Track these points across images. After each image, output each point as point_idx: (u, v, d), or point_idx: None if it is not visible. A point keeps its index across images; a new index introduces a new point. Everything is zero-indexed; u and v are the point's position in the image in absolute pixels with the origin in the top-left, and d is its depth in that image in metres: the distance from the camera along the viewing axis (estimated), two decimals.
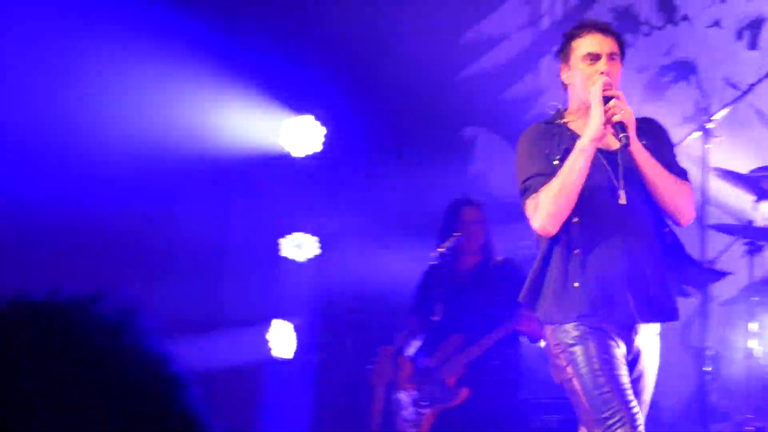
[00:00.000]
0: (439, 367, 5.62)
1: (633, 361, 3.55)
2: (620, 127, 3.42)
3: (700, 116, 7.17)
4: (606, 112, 3.42)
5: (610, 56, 3.57)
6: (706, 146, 5.58)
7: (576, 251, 3.52)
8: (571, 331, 3.53)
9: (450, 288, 5.69)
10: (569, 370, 3.50)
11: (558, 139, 3.58)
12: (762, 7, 7.35)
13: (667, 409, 6.67)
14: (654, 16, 7.75)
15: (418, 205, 7.26)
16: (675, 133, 7.19)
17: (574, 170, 3.47)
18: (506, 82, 8.19)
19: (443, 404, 5.61)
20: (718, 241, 6.36)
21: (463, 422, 5.55)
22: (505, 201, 7.73)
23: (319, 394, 7.11)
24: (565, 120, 3.67)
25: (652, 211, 3.57)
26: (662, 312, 3.57)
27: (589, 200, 3.52)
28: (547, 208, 3.51)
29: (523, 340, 5.66)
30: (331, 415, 7.06)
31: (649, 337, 3.59)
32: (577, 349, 3.50)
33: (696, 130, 5.68)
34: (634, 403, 3.45)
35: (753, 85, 5.20)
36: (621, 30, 7.64)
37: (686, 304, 6.89)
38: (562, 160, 3.52)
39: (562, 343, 3.54)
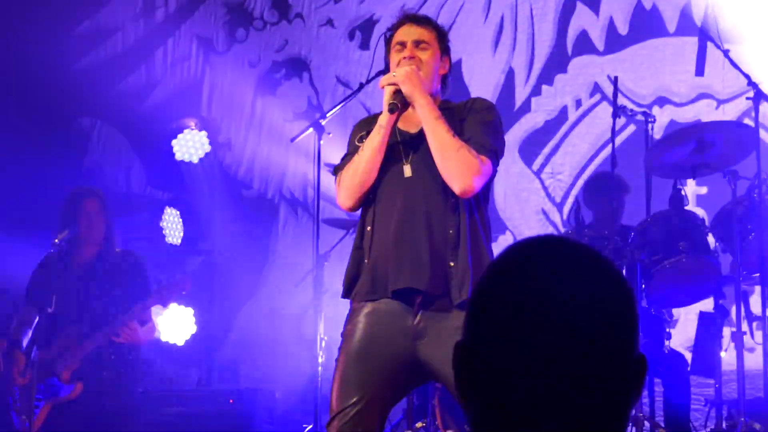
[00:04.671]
0: (54, 360, 5.63)
1: (418, 335, 3.65)
2: (399, 98, 3.72)
3: (313, 113, 7.65)
4: (387, 98, 3.74)
5: (416, 43, 3.87)
6: (320, 142, 5.95)
7: (368, 228, 3.79)
8: (353, 307, 3.77)
9: (66, 279, 5.73)
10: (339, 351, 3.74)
11: (374, 126, 3.84)
12: (373, 8, 7.91)
13: (282, 399, 7.05)
14: (268, 12, 8.12)
15: (35, 195, 7.19)
16: (287, 129, 7.71)
17: (369, 146, 3.76)
18: (122, 72, 8.24)
19: (58, 398, 5.62)
20: (331, 235, 6.81)
21: (79, 416, 5.60)
22: (122, 192, 7.86)
23: None
24: None
25: (442, 184, 3.72)
26: (433, 285, 3.65)
27: (382, 179, 3.77)
28: (344, 184, 3.80)
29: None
30: None
31: (442, 314, 3.66)
32: (348, 330, 3.72)
33: (309, 126, 6.04)
34: (356, 401, 3.59)
35: (363, 84, 5.62)
36: (235, 25, 8.05)
37: (301, 296, 7.41)
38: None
39: (347, 318, 3.76)
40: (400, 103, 3.74)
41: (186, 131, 7.66)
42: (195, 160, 7.68)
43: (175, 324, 7.24)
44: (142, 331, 5.71)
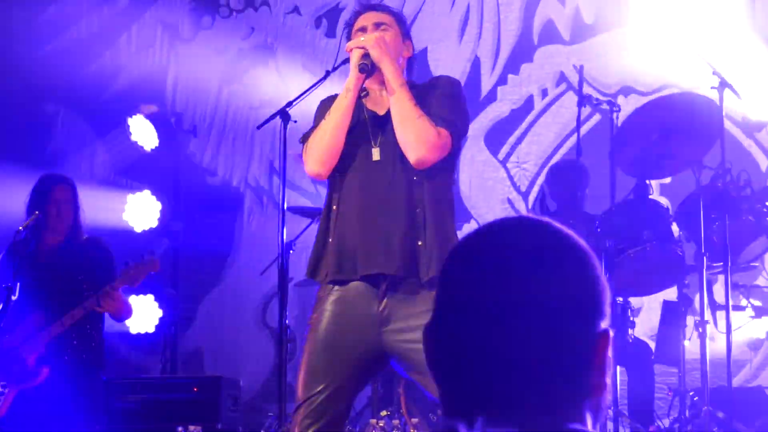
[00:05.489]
0: (19, 345, 5.59)
1: (383, 322, 3.65)
2: (368, 61, 3.74)
3: (279, 100, 7.60)
4: (355, 60, 3.76)
5: (377, 25, 3.91)
6: (286, 130, 5.90)
7: (335, 207, 3.78)
8: (319, 294, 3.76)
9: (30, 266, 5.68)
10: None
11: None
12: None
13: (246, 387, 7.03)
14: (234, 0, 8.07)
15: None
16: (253, 116, 7.67)
17: (336, 109, 3.76)
18: (86, 59, 8.18)
19: (23, 384, 5.58)
20: (296, 223, 6.78)
21: (44, 402, 5.57)
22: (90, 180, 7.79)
23: None
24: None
25: (409, 165, 3.74)
26: (403, 266, 3.66)
27: (349, 157, 3.77)
28: (312, 149, 3.79)
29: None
30: None
31: (408, 297, 3.66)
32: (314, 318, 3.71)
33: (275, 114, 6.00)
34: (322, 389, 3.60)
35: (330, 71, 5.58)
36: (200, 12, 7.99)
37: (266, 285, 7.38)
38: None
39: (314, 307, 3.75)
40: (370, 65, 3.75)
41: (136, 117, 7.59)
42: (147, 148, 7.62)
43: (139, 313, 7.20)
44: (125, 300, 5.70)
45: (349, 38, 3.97)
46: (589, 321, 1.35)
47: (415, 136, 3.69)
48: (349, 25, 4.01)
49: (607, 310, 1.38)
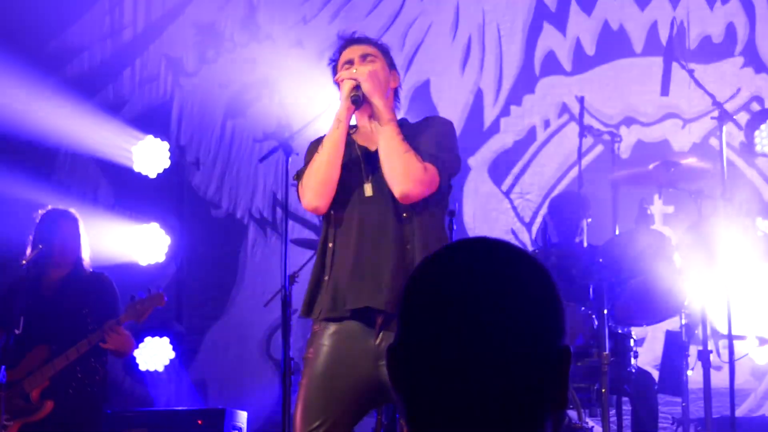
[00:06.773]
0: (23, 379, 5.61)
1: (380, 355, 3.63)
2: (360, 93, 3.77)
3: (282, 133, 7.64)
4: (346, 91, 3.79)
5: (363, 57, 3.93)
6: (288, 162, 5.95)
7: (330, 245, 3.79)
8: (315, 329, 3.77)
9: (35, 300, 5.70)
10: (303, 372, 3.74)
11: None
12: (342, 29, 7.91)
13: (250, 419, 7.02)
14: (238, 34, 8.12)
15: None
16: (257, 149, 7.71)
17: (328, 142, 3.77)
18: (88, 92, 8.21)
19: (27, 417, 5.59)
20: (299, 255, 6.80)
21: None
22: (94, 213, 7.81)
23: None
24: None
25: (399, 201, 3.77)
26: (394, 302, 3.63)
27: (342, 194, 3.78)
28: (308, 184, 3.80)
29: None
30: None
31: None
32: (310, 353, 3.72)
33: (278, 147, 6.04)
34: (320, 424, 3.61)
35: (331, 104, 5.62)
36: (205, 46, 8.04)
37: (269, 316, 7.39)
38: None
39: (309, 342, 3.76)
40: (362, 97, 3.78)
41: (145, 139, 7.62)
42: (153, 174, 7.64)
43: (153, 353, 7.23)
44: (128, 337, 5.71)
45: (335, 73, 4.00)
46: (550, 337, 1.38)
47: (401, 170, 3.70)
48: (334, 60, 4.03)
49: (567, 327, 1.41)
